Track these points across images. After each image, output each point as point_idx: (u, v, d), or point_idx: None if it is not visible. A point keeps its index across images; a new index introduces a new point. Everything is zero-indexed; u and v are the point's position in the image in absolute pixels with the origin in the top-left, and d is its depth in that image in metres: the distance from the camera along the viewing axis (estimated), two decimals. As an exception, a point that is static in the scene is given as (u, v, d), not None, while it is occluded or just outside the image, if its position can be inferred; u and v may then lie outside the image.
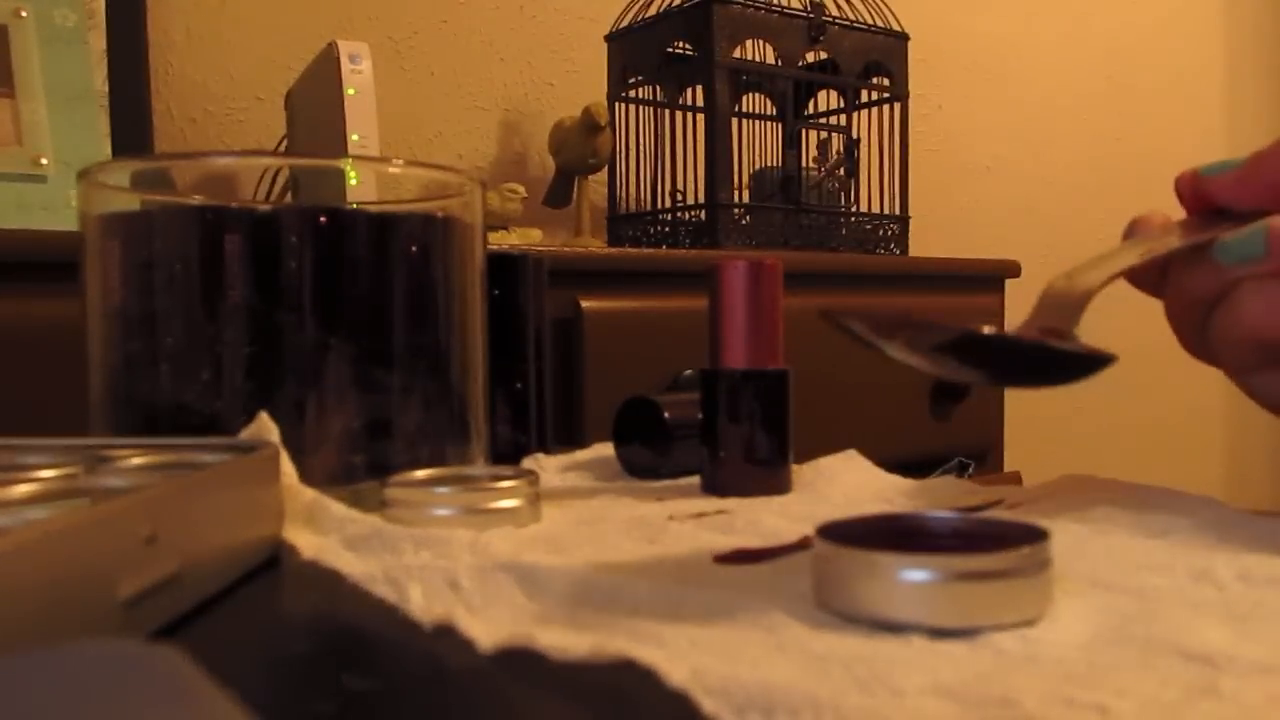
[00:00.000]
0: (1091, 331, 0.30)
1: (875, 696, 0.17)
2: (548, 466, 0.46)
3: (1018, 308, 0.81)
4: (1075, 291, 0.32)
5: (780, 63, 1.20)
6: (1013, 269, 1.28)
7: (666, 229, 1.24)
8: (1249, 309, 0.32)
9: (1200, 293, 0.33)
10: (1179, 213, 0.36)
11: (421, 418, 0.37)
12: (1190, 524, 0.29)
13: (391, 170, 0.44)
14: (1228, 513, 0.30)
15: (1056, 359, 0.30)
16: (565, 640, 0.19)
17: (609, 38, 1.29)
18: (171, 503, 0.23)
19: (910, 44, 1.27)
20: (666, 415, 0.43)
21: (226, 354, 0.35)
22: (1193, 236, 0.34)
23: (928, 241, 1.45)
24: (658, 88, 1.27)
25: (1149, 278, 0.35)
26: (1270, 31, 2.30)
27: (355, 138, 0.91)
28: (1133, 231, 0.35)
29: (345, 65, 0.92)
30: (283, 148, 1.11)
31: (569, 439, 0.54)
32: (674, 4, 1.19)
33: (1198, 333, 0.34)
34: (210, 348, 0.35)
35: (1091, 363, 0.30)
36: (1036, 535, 0.22)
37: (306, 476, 0.32)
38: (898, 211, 1.27)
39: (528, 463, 0.46)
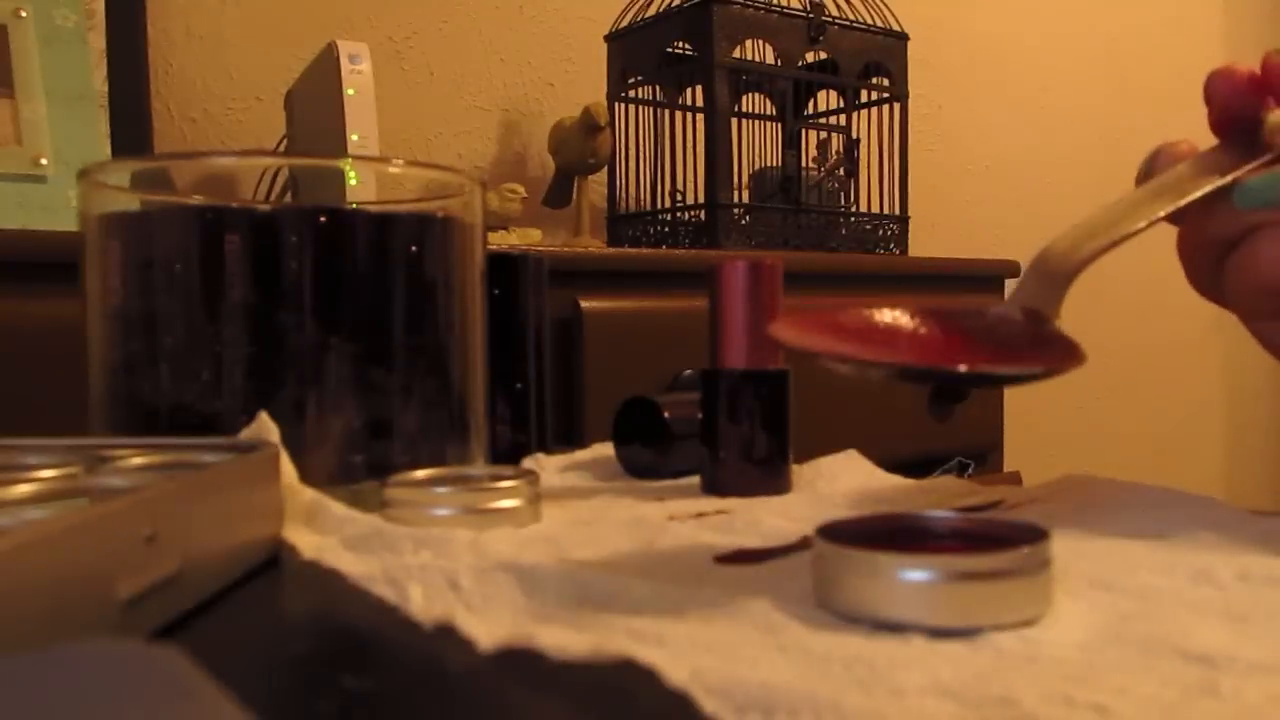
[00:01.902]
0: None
1: (875, 696, 0.17)
2: (548, 466, 0.46)
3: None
4: (1066, 265, 0.31)
5: (780, 63, 1.20)
6: (1012, 269, 1.28)
7: (666, 229, 1.24)
8: (1266, 256, 0.31)
9: (1216, 233, 0.32)
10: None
11: (421, 418, 0.37)
12: (1190, 524, 0.29)
13: (391, 170, 0.44)
14: (1228, 513, 0.30)
15: (996, 379, 0.29)
16: (565, 640, 0.19)
17: (609, 38, 1.28)
18: (171, 503, 0.23)
19: (910, 44, 1.27)
20: (666, 415, 0.43)
21: (226, 354, 0.35)
22: (1211, 182, 0.32)
23: (927, 241, 1.45)
24: (657, 88, 1.27)
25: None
26: (1270, 31, 2.30)
27: (355, 138, 0.91)
28: (1154, 164, 0.33)
29: (345, 65, 0.92)
30: (282, 148, 1.11)
31: (569, 439, 0.54)
32: (674, 4, 1.19)
33: (1209, 271, 0.33)
34: (210, 348, 0.35)
35: (1026, 378, 0.29)
36: (1036, 535, 0.22)
37: (306, 476, 0.32)
38: (897, 211, 1.27)
39: (528, 463, 0.46)
